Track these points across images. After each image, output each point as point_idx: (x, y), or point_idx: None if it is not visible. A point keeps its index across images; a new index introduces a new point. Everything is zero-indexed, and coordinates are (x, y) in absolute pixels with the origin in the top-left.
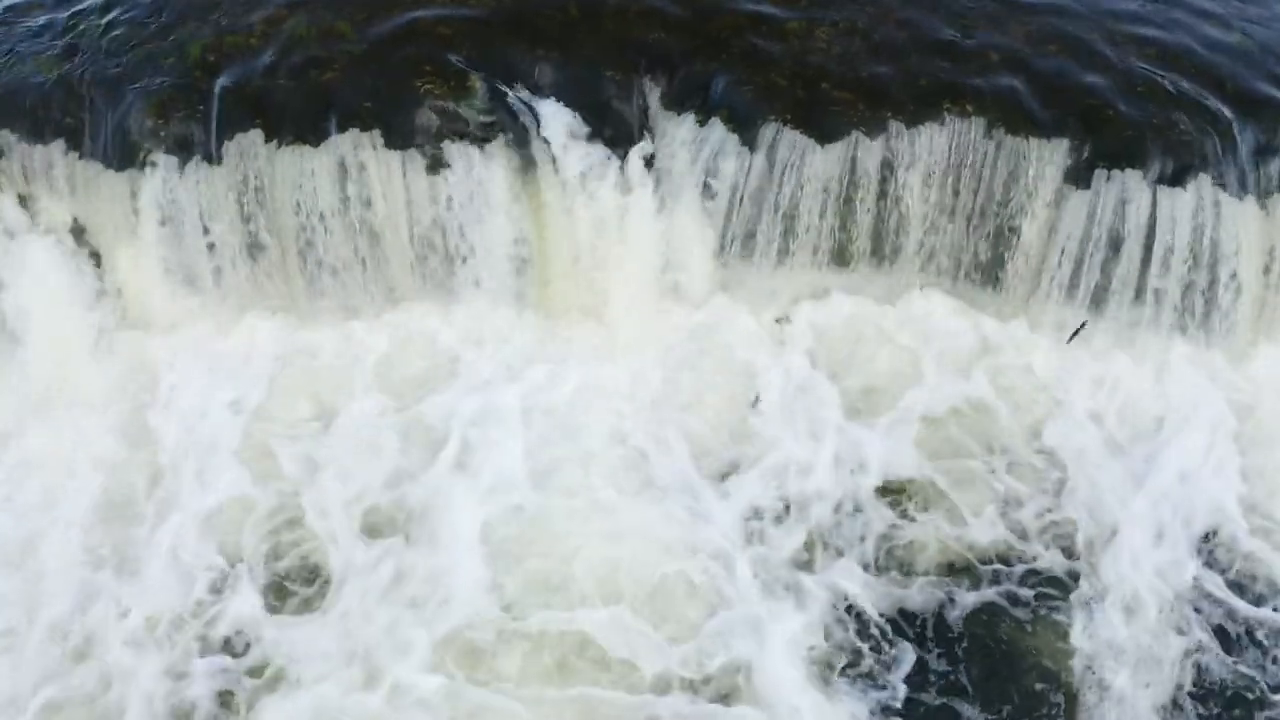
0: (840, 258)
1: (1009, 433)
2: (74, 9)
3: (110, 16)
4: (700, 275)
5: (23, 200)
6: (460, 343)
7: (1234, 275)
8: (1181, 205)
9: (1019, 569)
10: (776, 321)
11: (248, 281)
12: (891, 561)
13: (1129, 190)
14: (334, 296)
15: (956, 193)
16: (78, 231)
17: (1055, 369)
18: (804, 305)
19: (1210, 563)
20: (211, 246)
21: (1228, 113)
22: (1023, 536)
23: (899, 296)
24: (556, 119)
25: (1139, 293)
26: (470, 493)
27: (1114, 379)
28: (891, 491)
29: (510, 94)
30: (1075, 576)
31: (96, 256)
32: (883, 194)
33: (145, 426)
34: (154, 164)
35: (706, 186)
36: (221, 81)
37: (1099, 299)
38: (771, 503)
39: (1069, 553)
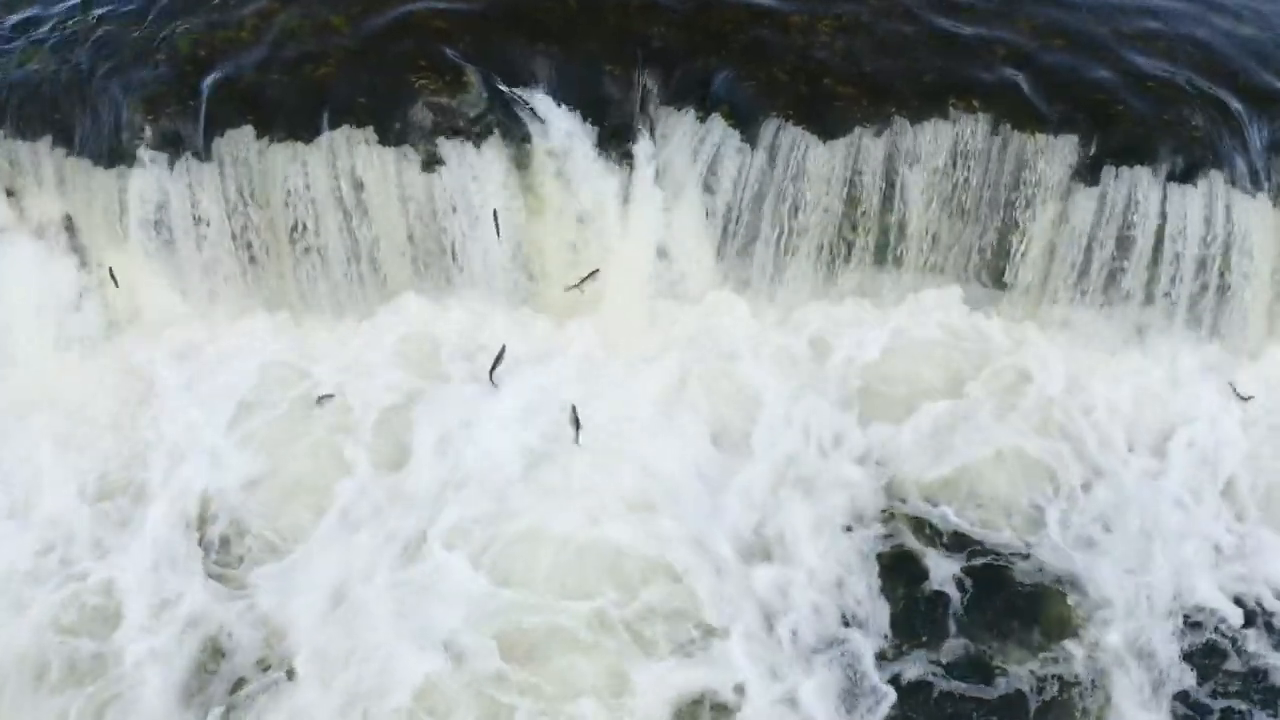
0: (843, 256)
1: (1014, 438)
2: (64, 3)
3: (100, 11)
4: (701, 273)
5: (10, 197)
6: (455, 343)
7: (1246, 273)
8: (1192, 202)
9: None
10: (778, 319)
11: (239, 280)
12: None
13: (1138, 187)
14: (327, 295)
15: (961, 190)
16: (66, 229)
17: (1062, 370)
18: (806, 304)
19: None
20: (202, 245)
21: (1239, 108)
22: (1024, 555)
23: (903, 296)
24: (554, 115)
25: (1149, 291)
26: (452, 508)
27: (1124, 381)
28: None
29: (507, 89)
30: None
31: (85, 255)
32: (886, 191)
33: (132, 430)
34: (143, 161)
35: (707, 184)
36: (212, 77)
37: (1108, 298)
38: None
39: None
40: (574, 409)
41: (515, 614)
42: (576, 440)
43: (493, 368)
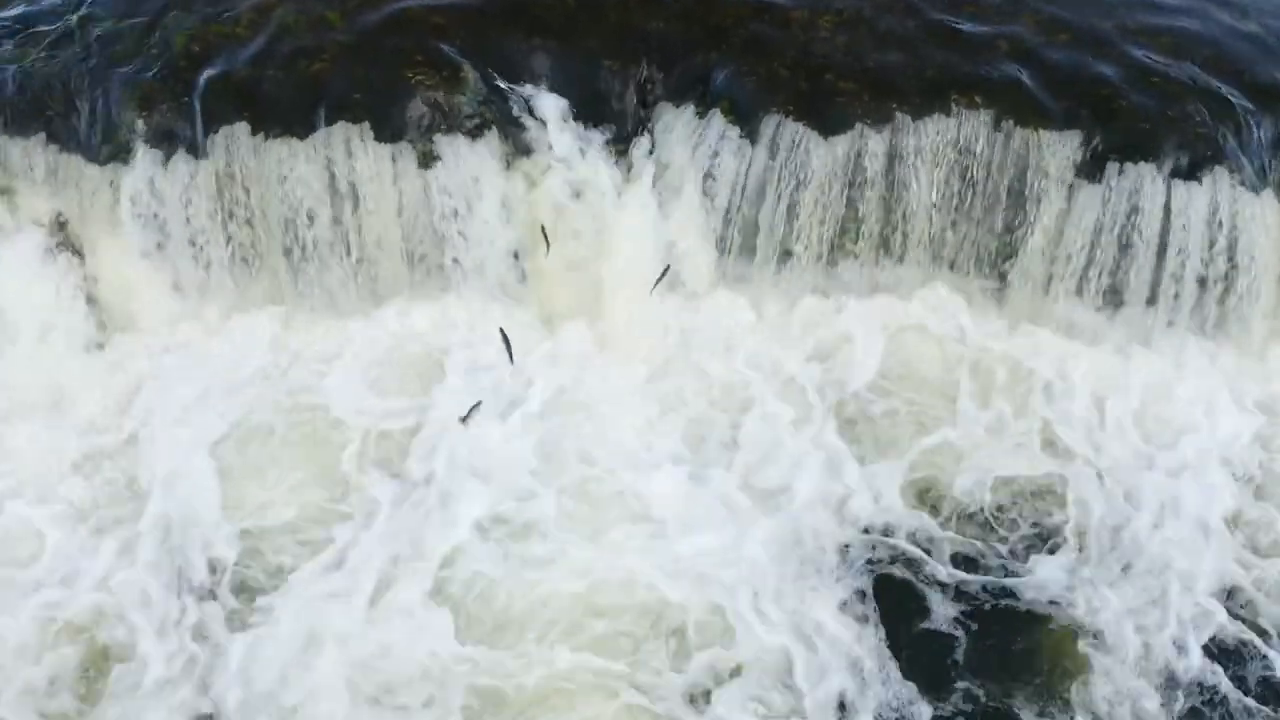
0: (844, 254)
1: (1020, 439)
2: None
3: (93, 6)
4: (700, 272)
5: (3, 194)
6: (451, 343)
7: (1252, 271)
8: (1196, 199)
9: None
10: (778, 319)
11: (234, 279)
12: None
13: (1142, 184)
14: (322, 294)
15: (964, 187)
16: (59, 227)
17: (1065, 372)
18: (807, 303)
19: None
20: (196, 243)
21: (1245, 103)
22: (1027, 563)
23: (905, 295)
24: (552, 111)
25: (1153, 290)
26: (445, 523)
27: (1128, 383)
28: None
29: (504, 85)
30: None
31: (78, 253)
32: (888, 188)
33: (126, 430)
34: (137, 157)
35: (707, 180)
36: (207, 72)
37: (1111, 296)
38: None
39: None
40: (503, 332)
41: (490, 671)
42: (510, 362)
43: (466, 415)
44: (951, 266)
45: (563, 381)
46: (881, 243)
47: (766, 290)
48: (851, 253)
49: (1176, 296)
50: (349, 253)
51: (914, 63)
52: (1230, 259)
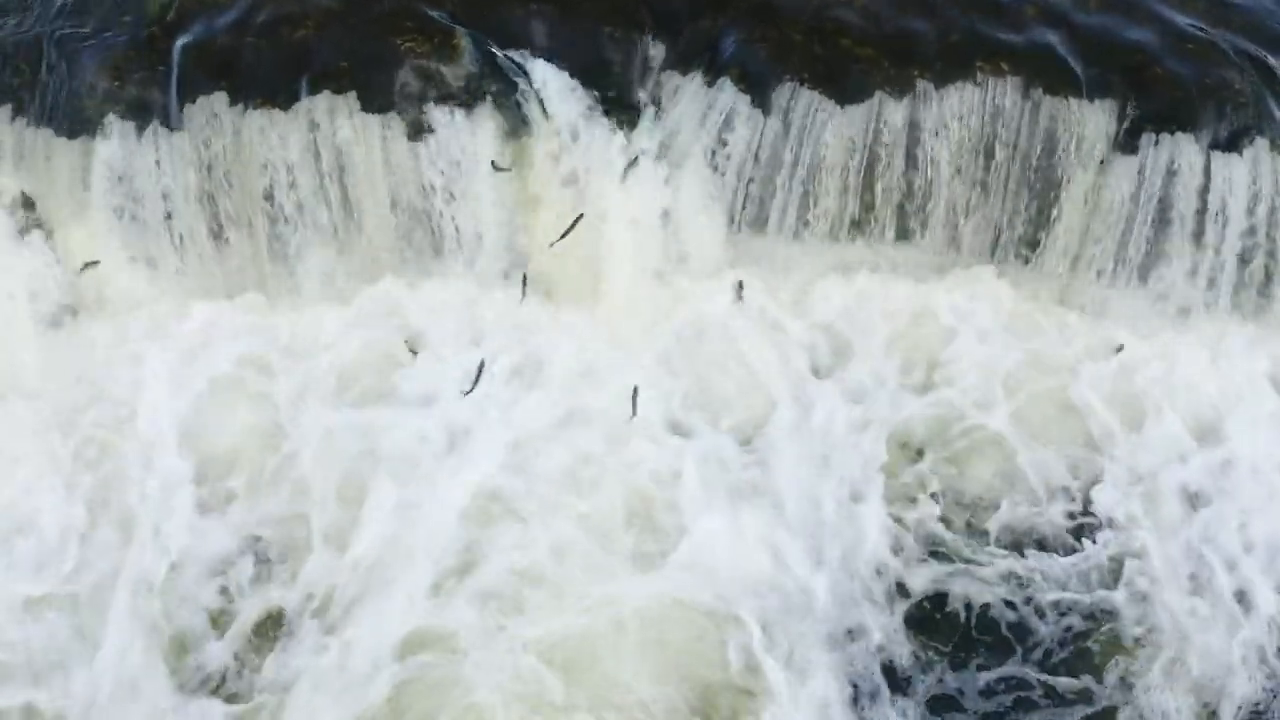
0: (862, 231)
1: (1044, 437)
2: None
3: None
4: (709, 250)
5: None
6: (442, 328)
7: None
8: (1238, 172)
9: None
10: (792, 301)
11: (211, 258)
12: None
13: (1179, 156)
14: (305, 275)
15: (990, 159)
16: (26, 204)
17: (1097, 355)
18: (822, 283)
19: None
20: (171, 220)
21: None
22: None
23: (927, 274)
24: (550, 80)
25: (1192, 268)
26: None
27: (1165, 369)
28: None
29: (500, 53)
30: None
31: (46, 232)
32: (909, 161)
33: (96, 419)
34: (109, 130)
35: (715, 153)
36: (183, 39)
37: (1147, 276)
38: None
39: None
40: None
41: None
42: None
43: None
44: (976, 245)
45: (560, 376)
46: (901, 220)
47: (779, 270)
48: (870, 230)
49: (1216, 275)
50: (334, 229)
51: (937, 28)
52: (1274, 235)
